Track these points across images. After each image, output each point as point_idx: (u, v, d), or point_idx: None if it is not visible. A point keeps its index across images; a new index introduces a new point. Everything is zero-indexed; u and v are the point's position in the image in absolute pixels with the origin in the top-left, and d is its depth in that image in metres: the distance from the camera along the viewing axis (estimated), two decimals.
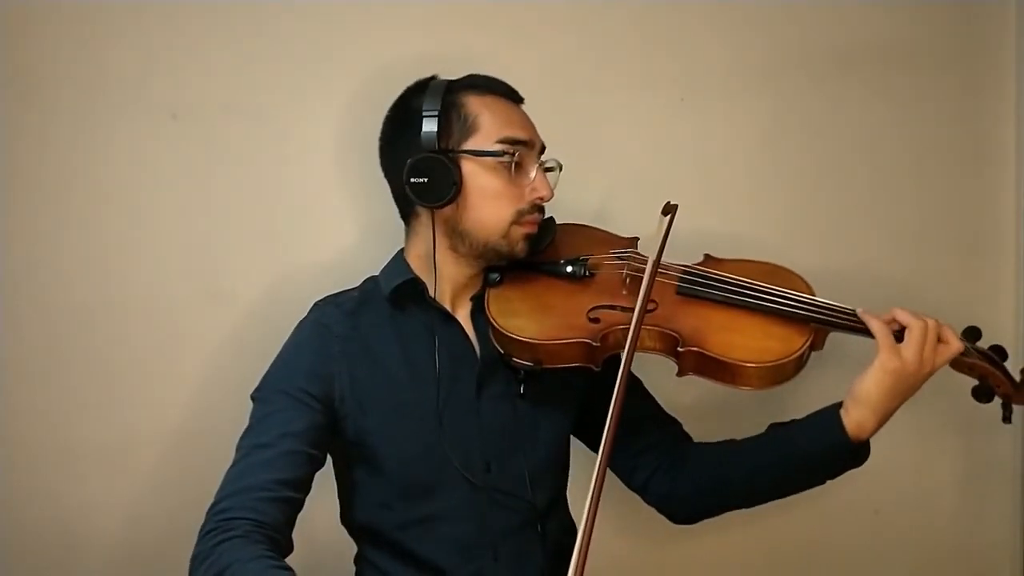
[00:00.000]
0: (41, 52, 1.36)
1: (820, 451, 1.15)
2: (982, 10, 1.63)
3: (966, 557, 1.69)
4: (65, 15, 1.36)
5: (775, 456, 1.19)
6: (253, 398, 1.16)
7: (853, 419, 1.12)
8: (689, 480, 1.27)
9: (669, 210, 1.24)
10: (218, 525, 1.04)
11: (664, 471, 1.28)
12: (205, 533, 1.04)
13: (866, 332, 1.15)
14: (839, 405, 1.15)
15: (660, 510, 1.31)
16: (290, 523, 1.09)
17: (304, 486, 1.12)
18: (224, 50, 1.41)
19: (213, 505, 1.07)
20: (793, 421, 1.20)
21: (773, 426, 1.22)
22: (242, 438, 1.13)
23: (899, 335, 1.13)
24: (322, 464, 1.16)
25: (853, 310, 1.17)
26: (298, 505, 1.11)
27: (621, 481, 1.31)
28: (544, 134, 1.23)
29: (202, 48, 1.40)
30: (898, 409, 1.13)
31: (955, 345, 1.14)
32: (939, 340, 1.14)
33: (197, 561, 1.03)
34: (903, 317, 1.14)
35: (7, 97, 1.36)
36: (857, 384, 1.12)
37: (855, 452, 1.15)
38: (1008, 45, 1.64)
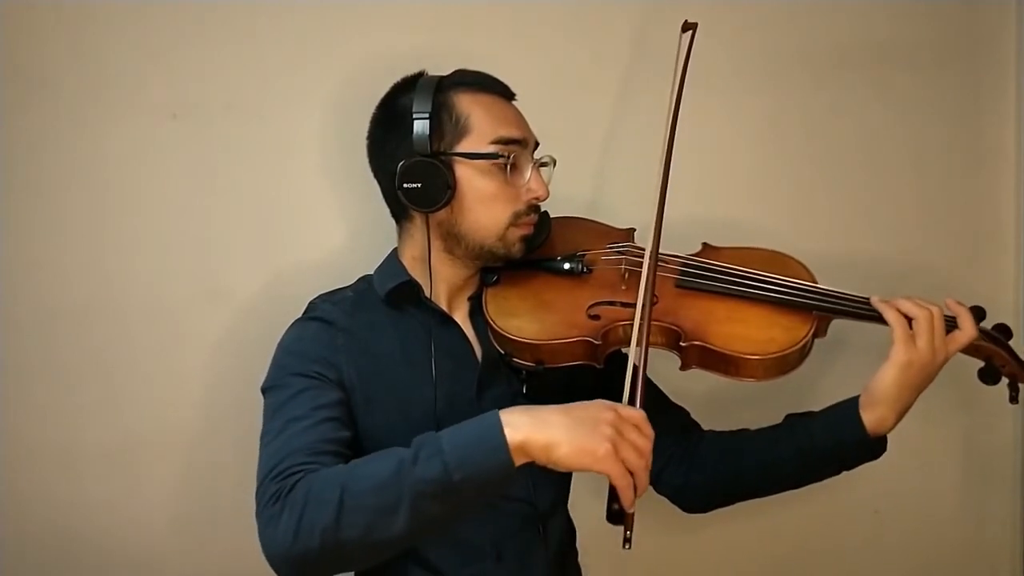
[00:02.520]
0: (41, 52, 1.36)
1: (839, 446, 1.15)
2: (983, 9, 1.63)
3: (966, 557, 1.69)
4: (65, 15, 1.36)
5: (793, 448, 1.19)
6: (265, 390, 1.12)
7: (873, 416, 1.12)
8: (704, 470, 1.26)
9: (689, 27, 1.20)
10: (280, 485, 0.96)
11: (677, 461, 1.28)
12: (268, 499, 0.96)
13: (869, 318, 1.15)
14: (857, 400, 1.14)
15: (673, 500, 1.31)
16: None
17: (349, 448, 1.06)
18: (224, 50, 1.41)
19: (263, 480, 0.99)
20: (810, 413, 1.20)
21: (790, 417, 1.22)
22: (267, 424, 1.07)
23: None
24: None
25: (854, 295, 1.16)
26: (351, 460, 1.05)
27: None
28: (542, 132, 1.22)
29: (202, 48, 1.40)
30: (916, 400, 1.13)
31: (969, 332, 1.13)
32: (956, 327, 1.14)
33: (273, 523, 0.94)
34: (907, 307, 1.13)
35: (7, 97, 1.36)
36: (875, 381, 1.12)
37: (873, 446, 1.15)
38: (1008, 44, 1.64)
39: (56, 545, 1.42)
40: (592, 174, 1.53)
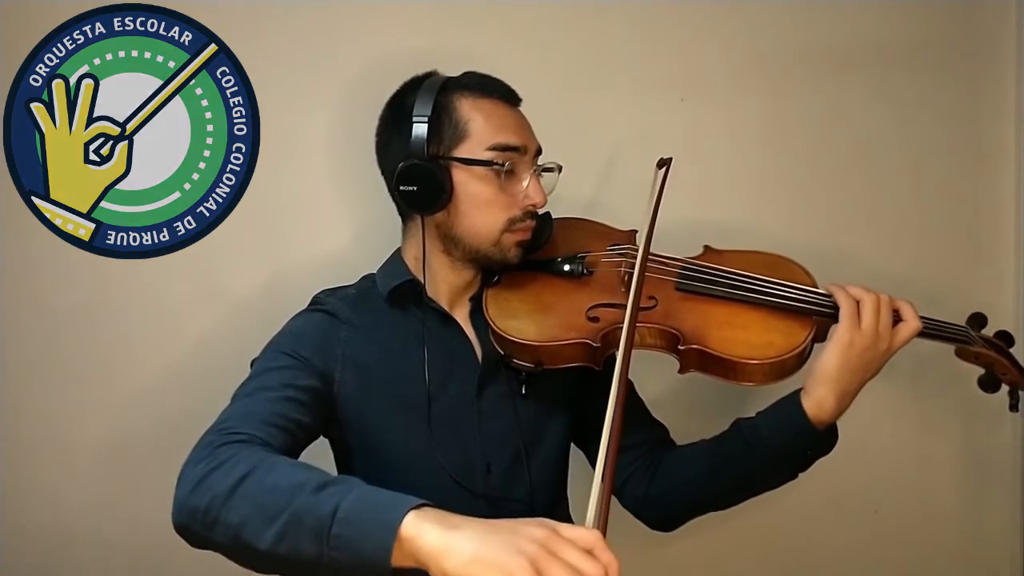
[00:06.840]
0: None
1: (783, 438, 1.13)
2: (982, 10, 1.63)
3: (966, 556, 1.69)
4: (64, 15, 1.36)
5: (739, 448, 1.16)
6: (253, 361, 1.13)
7: (812, 398, 1.10)
8: (660, 483, 1.24)
9: (664, 163, 1.22)
10: (220, 438, 0.94)
11: (640, 474, 1.26)
12: (204, 443, 0.95)
13: None
14: (799, 390, 1.12)
15: (636, 515, 1.29)
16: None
17: (306, 433, 1.05)
18: None
19: (212, 427, 0.98)
20: (757, 413, 1.18)
21: (738, 420, 1.20)
22: (240, 387, 1.07)
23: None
24: (317, 435, 1.11)
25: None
26: (301, 446, 1.04)
27: None
28: (543, 134, 1.22)
29: None
30: (859, 390, 1.12)
31: (914, 324, 1.12)
32: (900, 319, 1.13)
33: (190, 466, 0.92)
34: (856, 291, 1.13)
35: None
36: (816, 362, 1.11)
37: (819, 437, 1.12)
38: (1008, 45, 1.64)
39: (56, 543, 1.43)
40: (595, 175, 1.53)
